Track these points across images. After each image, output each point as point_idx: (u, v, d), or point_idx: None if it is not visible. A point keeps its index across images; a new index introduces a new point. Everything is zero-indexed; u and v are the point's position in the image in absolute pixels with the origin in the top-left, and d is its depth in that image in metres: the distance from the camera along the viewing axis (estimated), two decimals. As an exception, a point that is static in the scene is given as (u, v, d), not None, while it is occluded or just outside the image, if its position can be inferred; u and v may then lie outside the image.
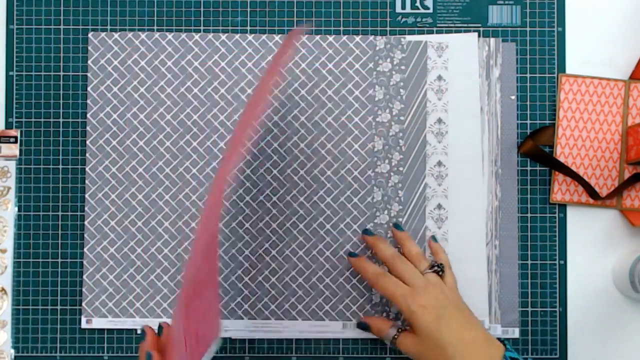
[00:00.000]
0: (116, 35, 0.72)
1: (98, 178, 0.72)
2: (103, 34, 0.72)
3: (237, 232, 0.72)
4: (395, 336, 0.65)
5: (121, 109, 0.72)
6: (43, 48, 0.73)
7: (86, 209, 0.72)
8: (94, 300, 0.71)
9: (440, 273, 0.67)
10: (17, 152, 0.72)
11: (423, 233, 0.72)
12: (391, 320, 0.69)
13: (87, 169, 0.72)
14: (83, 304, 0.71)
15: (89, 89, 0.72)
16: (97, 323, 0.71)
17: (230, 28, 0.73)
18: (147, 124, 0.72)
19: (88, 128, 0.72)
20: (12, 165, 0.72)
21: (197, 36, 0.72)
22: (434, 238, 0.71)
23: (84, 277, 0.71)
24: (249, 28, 0.73)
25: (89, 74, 0.72)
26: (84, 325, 0.71)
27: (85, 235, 0.72)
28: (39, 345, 0.72)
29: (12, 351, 0.72)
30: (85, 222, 0.72)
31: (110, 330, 0.72)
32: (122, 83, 0.72)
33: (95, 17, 0.73)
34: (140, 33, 0.72)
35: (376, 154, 0.72)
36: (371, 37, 0.72)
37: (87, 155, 0.72)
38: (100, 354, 0.72)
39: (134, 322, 0.71)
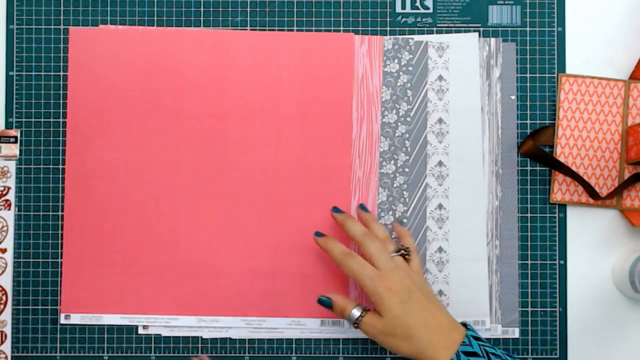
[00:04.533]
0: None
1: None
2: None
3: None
4: (361, 317, 0.64)
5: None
6: (43, 48, 0.73)
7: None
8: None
9: (407, 257, 0.66)
10: (17, 152, 0.72)
11: (424, 233, 0.72)
12: (354, 300, 0.66)
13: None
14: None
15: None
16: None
17: (230, 28, 0.73)
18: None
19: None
20: (12, 165, 0.72)
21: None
22: (400, 222, 0.71)
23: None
24: (248, 28, 0.73)
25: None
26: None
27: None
28: (39, 345, 0.72)
29: (12, 351, 0.71)
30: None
31: (110, 330, 0.72)
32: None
33: (95, 17, 0.73)
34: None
35: (382, 154, 0.72)
36: (385, 38, 0.72)
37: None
38: (100, 354, 0.72)
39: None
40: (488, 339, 0.72)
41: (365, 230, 0.67)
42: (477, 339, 0.61)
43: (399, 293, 0.62)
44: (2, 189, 0.72)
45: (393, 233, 0.71)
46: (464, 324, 0.63)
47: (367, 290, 0.62)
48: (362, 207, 0.70)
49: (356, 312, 0.64)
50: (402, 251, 0.66)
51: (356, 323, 0.64)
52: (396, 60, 0.72)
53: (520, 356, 0.72)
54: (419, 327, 0.61)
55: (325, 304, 0.66)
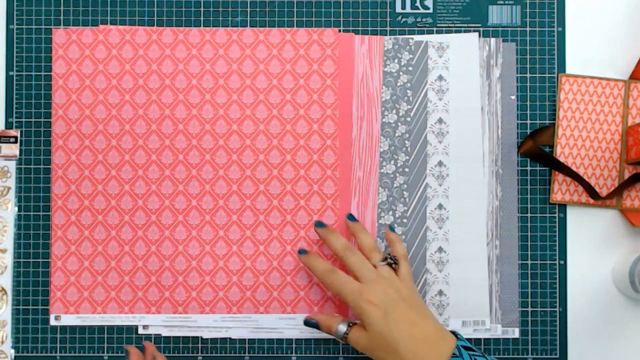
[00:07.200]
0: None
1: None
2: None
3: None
4: (346, 332, 0.63)
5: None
6: (43, 48, 0.73)
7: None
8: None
9: (394, 265, 0.64)
10: (17, 152, 0.72)
11: (424, 233, 0.72)
12: (340, 316, 0.65)
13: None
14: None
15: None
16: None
17: (230, 27, 0.73)
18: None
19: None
20: (12, 165, 0.72)
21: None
22: (390, 228, 0.70)
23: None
24: (248, 28, 0.73)
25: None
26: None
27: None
28: (39, 345, 0.72)
29: (12, 351, 0.71)
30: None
31: (110, 330, 0.72)
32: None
33: (95, 17, 0.73)
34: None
35: (382, 154, 0.72)
36: (385, 38, 0.72)
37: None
38: (101, 354, 0.72)
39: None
40: (484, 342, 0.72)
41: (346, 244, 0.66)
42: (468, 348, 0.60)
43: (381, 306, 0.60)
44: (2, 189, 0.72)
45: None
46: (454, 333, 0.62)
47: (350, 305, 0.62)
48: (349, 217, 0.69)
49: (342, 328, 0.63)
50: (389, 260, 0.65)
51: (343, 339, 0.63)
52: (396, 60, 0.72)
53: (520, 356, 0.72)
54: (403, 340, 0.59)
55: (312, 325, 0.66)
